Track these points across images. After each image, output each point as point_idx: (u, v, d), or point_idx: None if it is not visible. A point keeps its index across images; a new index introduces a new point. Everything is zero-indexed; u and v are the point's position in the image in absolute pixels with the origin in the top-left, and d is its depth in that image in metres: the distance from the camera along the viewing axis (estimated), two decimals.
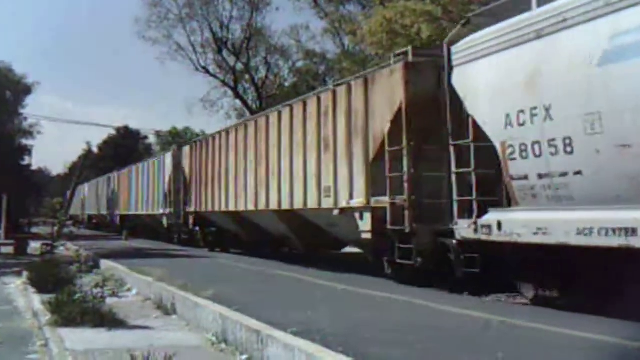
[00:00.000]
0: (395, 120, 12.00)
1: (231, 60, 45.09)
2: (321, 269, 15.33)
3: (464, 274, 10.74)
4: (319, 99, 15.10)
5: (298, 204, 15.69)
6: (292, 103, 16.96)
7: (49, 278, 13.28)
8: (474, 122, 10.23)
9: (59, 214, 52.27)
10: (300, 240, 17.61)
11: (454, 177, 10.71)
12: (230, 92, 46.13)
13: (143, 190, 34.00)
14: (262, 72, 46.20)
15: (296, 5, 40.60)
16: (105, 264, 18.54)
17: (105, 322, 9.40)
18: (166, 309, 10.94)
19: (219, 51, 44.59)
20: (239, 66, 45.17)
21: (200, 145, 24.03)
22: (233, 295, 10.40)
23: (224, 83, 45.91)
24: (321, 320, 8.11)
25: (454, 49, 10.85)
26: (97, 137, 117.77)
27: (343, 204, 13.63)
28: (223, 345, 8.13)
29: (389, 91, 12.34)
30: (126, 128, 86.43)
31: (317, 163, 14.79)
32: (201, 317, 9.41)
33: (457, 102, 10.75)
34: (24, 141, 53.53)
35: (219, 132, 22.41)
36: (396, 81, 12.10)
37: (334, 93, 14.40)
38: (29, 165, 55.36)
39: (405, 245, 11.62)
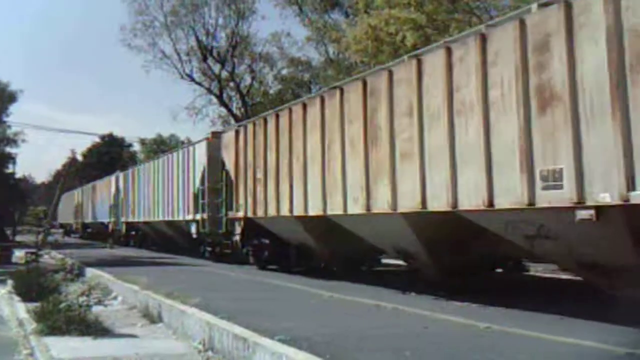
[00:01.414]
0: None
1: (216, 68, 45.03)
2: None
3: None
4: (521, 25, 8.78)
5: (468, 202, 9.46)
6: (448, 45, 10.40)
7: (34, 286, 13.18)
8: None
9: (43, 222, 48.16)
10: (436, 260, 11.38)
11: None
12: (215, 100, 45.90)
13: (159, 192, 27.35)
14: (247, 80, 46.14)
15: (282, 14, 41.28)
16: (90, 272, 18.30)
17: (91, 330, 9.37)
18: (152, 317, 10.89)
19: (204, 59, 44.45)
20: (224, 74, 45.14)
21: (253, 129, 17.27)
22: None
23: (209, 91, 45.69)
24: None
25: None
26: (81, 145, 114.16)
27: (603, 198, 7.41)
28: (210, 353, 8.06)
29: None
30: (110, 135, 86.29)
31: (524, 132, 8.49)
32: (187, 325, 9.27)
33: None
34: (8, 149, 53.58)
35: (288, 107, 15.85)
36: None
37: (566, 7, 8.13)
38: (13, 174, 54.77)
39: None
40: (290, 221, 15.15)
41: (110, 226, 38.20)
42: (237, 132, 18.73)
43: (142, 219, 30.67)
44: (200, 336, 8.56)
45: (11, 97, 51.26)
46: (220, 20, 43.75)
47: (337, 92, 13.25)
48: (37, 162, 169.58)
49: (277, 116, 16.05)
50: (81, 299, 10.04)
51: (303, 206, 14.27)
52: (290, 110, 15.36)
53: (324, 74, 38.09)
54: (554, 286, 13.64)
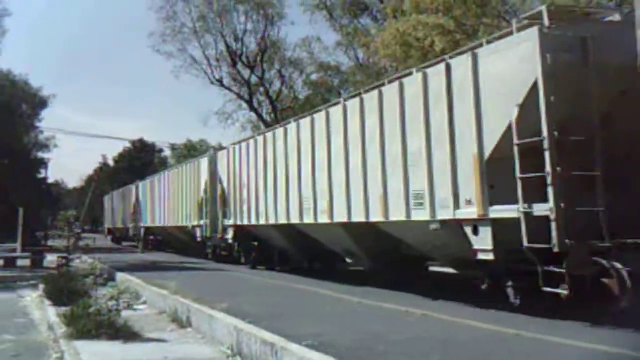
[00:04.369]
0: None
1: (245, 73, 44.85)
2: None
3: None
4: None
5: None
6: None
7: (64, 290, 13.30)
8: None
9: (72, 227, 48.49)
10: None
11: None
12: (244, 105, 45.85)
13: (330, 172, 14.98)
14: (277, 85, 45.92)
15: (311, 18, 40.53)
16: (120, 276, 18.07)
17: (120, 334, 9.44)
18: (181, 322, 10.93)
19: (234, 64, 44.28)
20: (254, 79, 45.02)
21: None
22: None
23: (239, 96, 45.62)
24: None
25: None
26: (113, 150, 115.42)
27: None
28: (238, 358, 8.07)
29: None
30: (141, 141, 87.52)
31: None
32: (216, 329, 9.30)
33: None
34: (40, 154, 54.47)
35: None
36: None
37: None
38: (45, 178, 55.51)
39: None
40: None
41: (198, 233, 27.02)
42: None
43: (274, 221, 18.45)
44: (228, 341, 8.62)
45: (42, 103, 52.00)
46: (249, 26, 43.66)
47: None
48: (68, 167, 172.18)
49: None
50: (110, 303, 10.08)
51: None
52: None
53: (352, 79, 37.87)
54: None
